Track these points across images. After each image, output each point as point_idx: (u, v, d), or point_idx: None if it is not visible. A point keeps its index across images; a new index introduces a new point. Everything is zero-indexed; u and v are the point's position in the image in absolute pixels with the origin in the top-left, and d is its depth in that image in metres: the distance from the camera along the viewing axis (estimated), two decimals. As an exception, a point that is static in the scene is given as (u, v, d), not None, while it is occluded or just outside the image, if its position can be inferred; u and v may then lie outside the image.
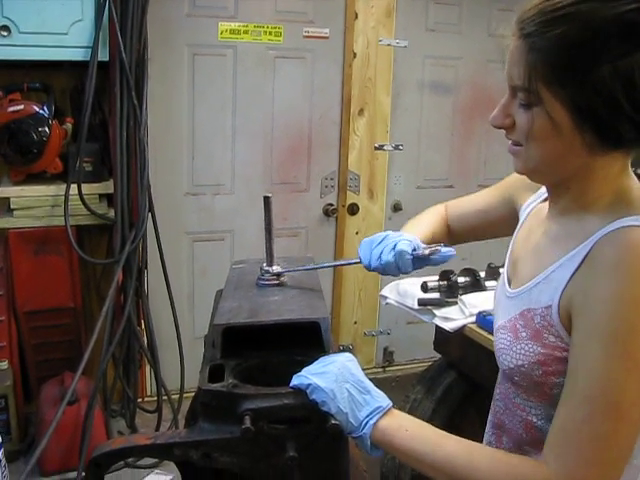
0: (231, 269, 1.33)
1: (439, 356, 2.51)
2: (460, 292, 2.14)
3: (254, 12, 3.15)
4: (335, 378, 0.93)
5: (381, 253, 1.15)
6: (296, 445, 0.89)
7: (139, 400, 3.11)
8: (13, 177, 2.69)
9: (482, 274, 2.24)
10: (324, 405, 0.91)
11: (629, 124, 0.85)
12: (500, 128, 0.96)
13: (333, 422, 0.89)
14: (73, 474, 2.56)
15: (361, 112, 3.43)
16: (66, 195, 2.63)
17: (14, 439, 2.72)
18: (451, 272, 2.16)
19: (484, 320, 2.00)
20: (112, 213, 2.76)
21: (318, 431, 0.91)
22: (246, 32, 3.15)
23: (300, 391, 0.92)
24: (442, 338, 2.34)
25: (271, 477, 0.92)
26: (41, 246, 2.77)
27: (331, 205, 3.50)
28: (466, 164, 3.79)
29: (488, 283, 2.17)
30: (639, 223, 0.86)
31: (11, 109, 2.60)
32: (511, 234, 1.21)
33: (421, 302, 2.13)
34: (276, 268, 1.21)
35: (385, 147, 3.50)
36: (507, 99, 0.94)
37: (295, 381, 0.94)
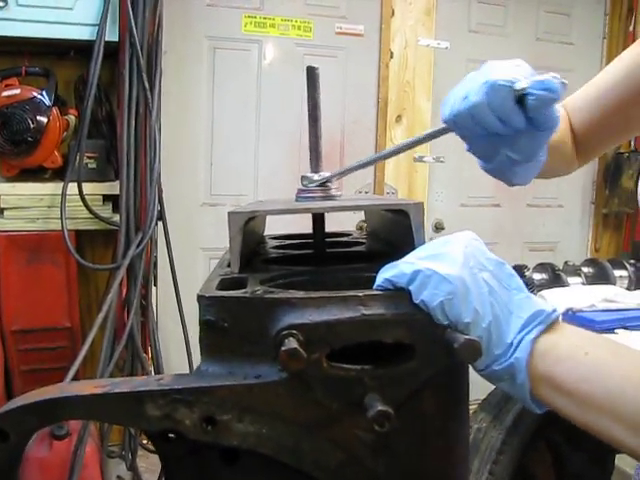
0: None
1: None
2: (536, 290, 1.72)
3: (282, 4, 2.86)
4: (464, 260, 0.52)
5: (467, 94, 0.68)
6: (386, 400, 0.48)
7: (144, 441, 2.67)
8: (5, 172, 2.35)
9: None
10: (448, 306, 0.50)
11: None
12: None
13: (468, 337, 0.48)
14: (59, 523, 2.12)
15: (399, 119, 3.08)
16: (63, 192, 2.28)
17: (-8, 480, 2.29)
18: (524, 267, 1.74)
19: (574, 318, 1.57)
20: (117, 218, 2.39)
21: (429, 369, 0.49)
22: (272, 26, 2.85)
23: (396, 293, 0.51)
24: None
25: (333, 465, 0.50)
26: (35, 254, 2.40)
27: (365, 222, 3.11)
28: (514, 181, 3.40)
29: (571, 279, 1.75)
30: None
31: (6, 94, 2.29)
32: None
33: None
34: (326, 174, 0.81)
35: (425, 159, 3.14)
36: None
37: (387, 273, 0.53)
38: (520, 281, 0.55)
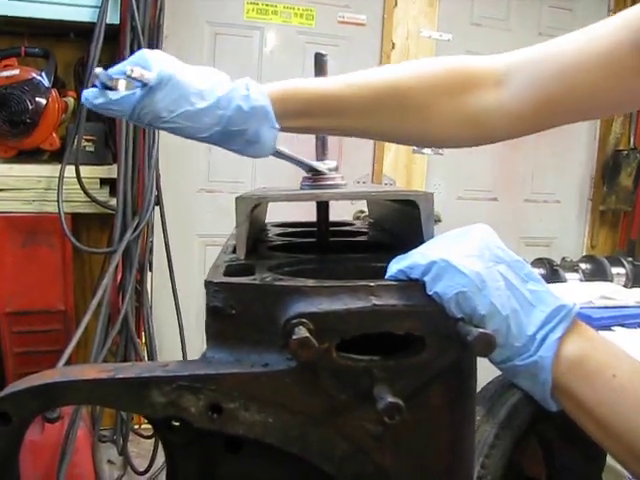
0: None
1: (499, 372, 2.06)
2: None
3: (284, -9, 2.83)
4: (479, 253, 0.52)
5: None
6: (394, 392, 0.47)
7: (136, 426, 2.67)
8: (2, 153, 2.33)
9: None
10: (462, 299, 0.49)
11: None
12: None
13: (482, 331, 0.47)
14: (50, 506, 2.12)
15: (399, 110, 3.07)
16: (60, 174, 2.27)
17: (-17, 462, 2.28)
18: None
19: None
20: (114, 202, 2.38)
21: (439, 362, 0.49)
22: (275, 12, 2.82)
23: (408, 284, 0.51)
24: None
25: (339, 456, 0.50)
26: (30, 236, 2.38)
27: (362, 212, 3.10)
28: (512, 175, 3.40)
29: (569, 275, 1.75)
30: None
31: (4, 74, 2.26)
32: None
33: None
34: (332, 162, 0.80)
35: (424, 151, 3.13)
36: None
37: (401, 263, 0.53)
38: (537, 274, 0.55)
